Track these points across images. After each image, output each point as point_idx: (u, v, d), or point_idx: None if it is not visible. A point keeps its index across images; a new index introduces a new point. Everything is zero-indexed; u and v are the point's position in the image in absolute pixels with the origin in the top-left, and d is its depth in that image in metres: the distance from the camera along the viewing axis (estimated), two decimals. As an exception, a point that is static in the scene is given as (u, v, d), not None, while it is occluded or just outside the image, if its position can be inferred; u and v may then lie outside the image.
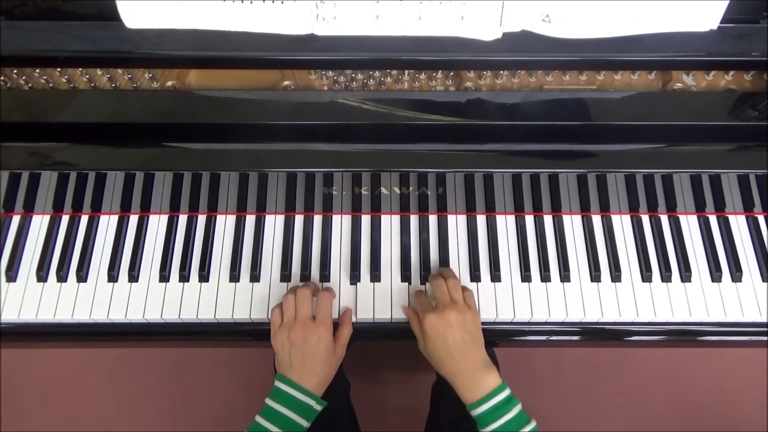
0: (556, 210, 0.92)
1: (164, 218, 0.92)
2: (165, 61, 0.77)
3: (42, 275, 0.88)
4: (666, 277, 0.89)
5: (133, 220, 0.92)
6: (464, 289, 0.84)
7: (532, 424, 0.72)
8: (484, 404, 0.72)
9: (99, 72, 0.80)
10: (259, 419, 0.74)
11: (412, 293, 0.87)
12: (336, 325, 0.84)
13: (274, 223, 0.92)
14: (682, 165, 0.79)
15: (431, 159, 0.78)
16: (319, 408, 0.77)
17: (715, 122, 0.77)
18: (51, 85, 0.80)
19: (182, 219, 0.92)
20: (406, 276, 0.89)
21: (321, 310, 0.81)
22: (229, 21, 0.71)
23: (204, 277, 0.88)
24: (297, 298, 0.81)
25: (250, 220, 0.92)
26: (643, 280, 0.89)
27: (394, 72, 0.80)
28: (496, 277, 0.89)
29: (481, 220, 0.93)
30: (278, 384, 0.76)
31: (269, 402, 0.75)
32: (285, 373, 0.77)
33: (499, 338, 0.91)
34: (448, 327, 0.76)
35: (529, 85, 0.82)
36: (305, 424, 0.75)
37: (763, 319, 0.87)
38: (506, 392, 0.73)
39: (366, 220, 0.93)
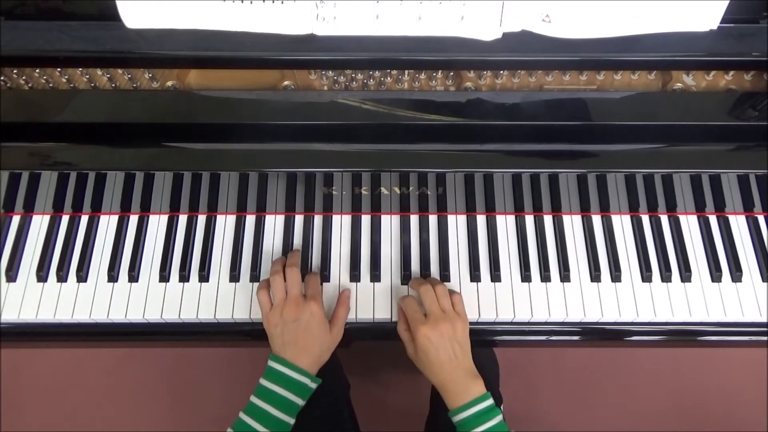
0: (556, 210, 0.92)
1: (164, 218, 0.92)
2: (165, 61, 0.77)
3: (42, 275, 0.88)
4: (666, 277, 0.89)
5: (133, 220, 0.92)
6: (452, 293, 0.83)
7: None
8: (469, 409, 0.73)
9: (99, 72, 0.80)
10: (253, 399, 0.74)
11: (398, 297, 0.87)
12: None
13: (274, 223, 0.92)
14: (682, 165, 0.79)
15: (431, 159, 0.78)
16: (313, 386, 0.77)
17: (715, 122, 0.77)
18: (51, 85, 0.80)
19: (182, 219, 0.92)
20: (406, 276, 0.89)
21: (310, 287, 0.81)
22: (229, 21, 0.71)
23: (204, 277, 0.88)
24: (287, 277, 0.81)
25: (250, 220, 0.92)
26: (643, 280, 0.89)
27: (394, 72, 0.80)
28: (496, 277, 0.89)
29: (481, 220, 0.93)
30: (271, 363, 0.76)
31: (263, 382, 0.75)
32: (279, 352, 0.77)
33: (499, 338, 0.91)
34: (441, 339, 0.76)
35: (529, 85, 0.82)
36: (300, 402, 0.75)
37: (763, 319, 0.87)
38: (490, 401, 0.75)
39: (366, 220, 0.93)
